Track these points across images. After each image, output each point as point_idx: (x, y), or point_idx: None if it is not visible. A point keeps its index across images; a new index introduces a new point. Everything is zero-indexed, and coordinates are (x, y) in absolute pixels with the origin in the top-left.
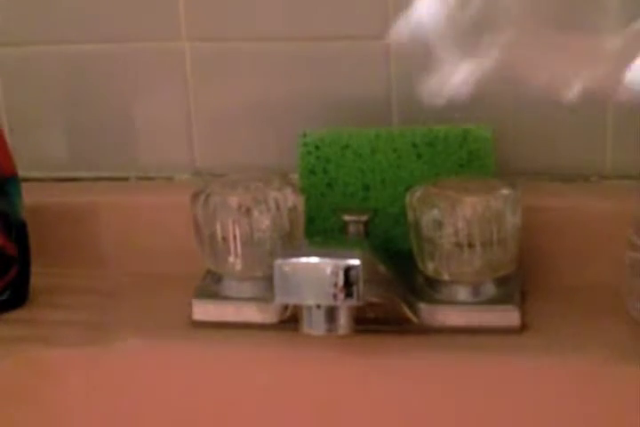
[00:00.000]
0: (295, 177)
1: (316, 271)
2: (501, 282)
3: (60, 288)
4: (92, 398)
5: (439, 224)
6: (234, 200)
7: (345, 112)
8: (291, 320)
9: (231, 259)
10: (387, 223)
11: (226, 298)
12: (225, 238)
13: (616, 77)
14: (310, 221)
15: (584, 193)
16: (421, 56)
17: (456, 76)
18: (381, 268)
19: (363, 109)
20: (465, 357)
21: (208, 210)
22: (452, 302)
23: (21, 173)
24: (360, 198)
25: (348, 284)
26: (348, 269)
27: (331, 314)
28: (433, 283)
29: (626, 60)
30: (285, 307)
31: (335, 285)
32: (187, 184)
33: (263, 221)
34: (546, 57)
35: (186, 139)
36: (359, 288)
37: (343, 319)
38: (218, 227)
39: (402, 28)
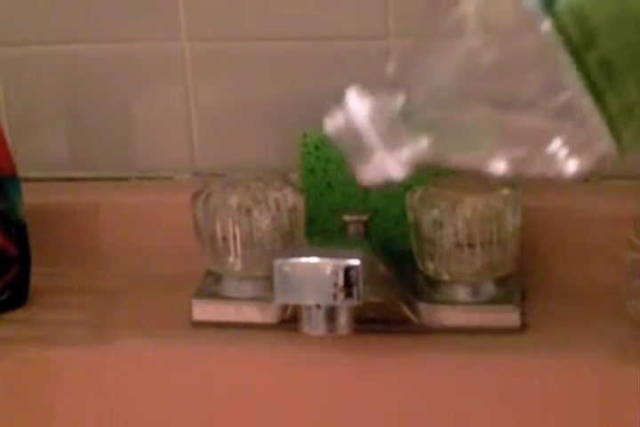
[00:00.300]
0: (295, 177)
1: (316, 271)
2: (501, 282)
3: (59, 288)
4: (92, 398)
5: (439, 224)
6: (234, 200)
7: None
8: (291, 320)
9: (231, 259)
10: (387, 223)
11: (226, 298)
12: (225, 238)
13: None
14: (310, 221)
15: (584, 193)
16: (357, 146)
17: (391, 164)
18: (381, 268)
19: None
20: (465, 357)
21: (208, 210)
22: (452, 302)
23: (21, 172)
24: (360, 198)
25: (348, 284)
26: (347, 269)
27: (331, 314)
28: (433, 283)
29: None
30: (285, 307)
31: (335, 285)
32: (187, 184)
33: (263, 221)
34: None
35: (186, 139)
36: (359, 288)
37: (343, 319)
38: (218, 227)
39: (338, 120)
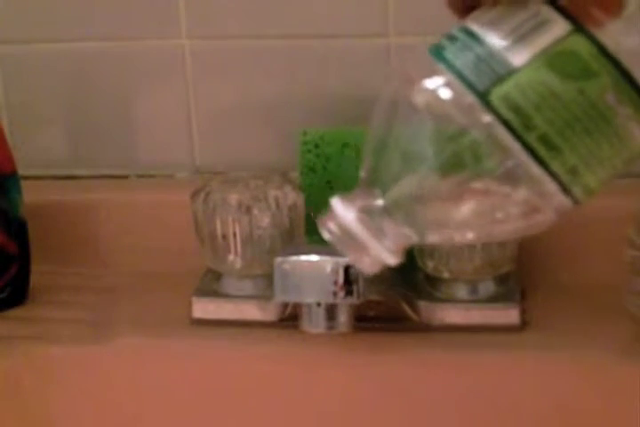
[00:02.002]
0: (295, 175)
1: (315, 269)
2: (501, 280)
3: (59, 286)
4: (92, 395)
5: None
6: (234, 198)
7: (345, 110)
8: (291, 318)
9: (231, 257)
10: None
11: (226, 296)
12: (225, 236)
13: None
14: (310, 219)
15: None
16: (352, 245)
17: (385, 254)
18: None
19: (363, 107)
20: (465, 355)
21: (208, 208)
22: (452, 300)
23: (21, 170)
24: None
25: (348, 282)
26: (347, 267)
27: (331, 312)
28: (433, 281)
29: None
30: (285, 305)
31: (335, 283)
32: (187, 182)
33: (263, 219)
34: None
35: (186, 137)
36: (359, 286)
37: (343, 317)
38: (218, 225)
39: (331, 227)
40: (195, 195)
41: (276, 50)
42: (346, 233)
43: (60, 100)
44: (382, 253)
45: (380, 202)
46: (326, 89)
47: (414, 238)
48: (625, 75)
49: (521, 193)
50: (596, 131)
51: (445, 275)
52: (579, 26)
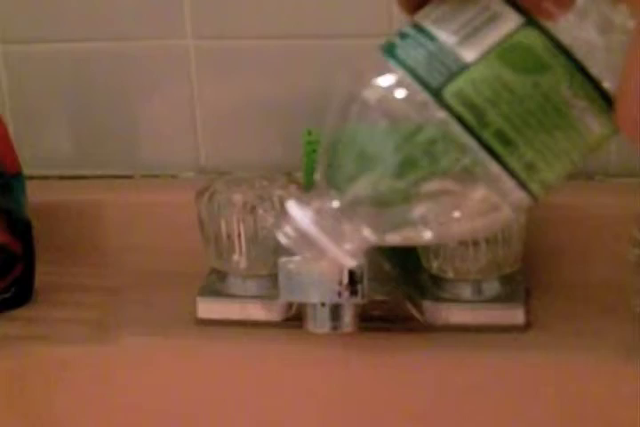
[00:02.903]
0: (299, 175)
1: (320, 269)
2: (506, 280)
3: (64, 286)
4: (97, 395)
5: None
6: (238, 198)
7: None
8: (295, 318)
9: (236, 257)
10: None
11: (230, 296)
12: (229, 236)
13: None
14: None
15: (588, 191)
16: (309, 247)
17: (342, 256)
18: (386, 266)
19: None
20: (469, 354)
21: (213, 208)
22: (457, 300)
23: (26, 170)
24: None
25: (353, 282)
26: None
27: (335, 312)
28: (437, 281)
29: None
30: (290, 305)
31: (340, 283)
32: (191, 182)
33: (267, 219)
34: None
35: (190, 137)
36: (364, 286)
37: (348, 317)
38: (222, 225)
39: (286, 230)
40: (199, 195)
41: (280, 50)
42: (302, 236)
43: (65, 100)
44: (340, 256)
45: (336, 203)
46: (331, 89)
47: (372, 239)
48: (579, 67)
49: (478, 191)
50: (552, 125)
51: (450, 275)
52: (531, 19)
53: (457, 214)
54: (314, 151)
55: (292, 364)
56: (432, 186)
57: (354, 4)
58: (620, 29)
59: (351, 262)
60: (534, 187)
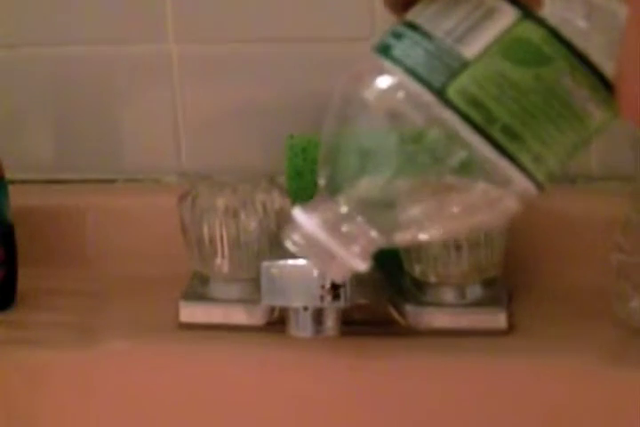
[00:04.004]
0: (282, 179)
1: (302, 273)
2: (488, 284)
3: (47, 290)
4: (80, 400)
5: None
6: (221, 202)
7: None
8: (278, 322)
9: (218, 261)
10: None
11: (213, 300)
12: (212, 240)
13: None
14: None
15: (571, 194)
16: (319, 253)
17: (352, 260)
18: (369, 270)
19: None
20: (452, 359)
21: (195, 212)
22: (439, 304)
23: (8, 174)
24: None
25: (335, 286)
26: None
27: (318, 316)
28: (420, 285)
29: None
30: (272, 309)
31: (322, 287)
32: (174, 186)
33: (250, 224)
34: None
35: (173, 141)
36: (346, 290)
37: (330, 321)
38: (205, 229)
39: (295, 238)
40: (182, 199)
41: (262, 54)
42: (311, 243)
43: (47, 103)
44: (350, 260)
45: (342, 208)
46: (314, 93)
47: (381, 241)
48: (579, 56)
49: (482, 185)
50: (556, 115)
51: (432, 279)
52: (527, 11)
53: (462, 210)
54: (296, 156)
55: (275, 368)
56: (435, 184)
57: (337, 9)
58: (606, 12)
59: (362, 265)
60: (541, 177)
